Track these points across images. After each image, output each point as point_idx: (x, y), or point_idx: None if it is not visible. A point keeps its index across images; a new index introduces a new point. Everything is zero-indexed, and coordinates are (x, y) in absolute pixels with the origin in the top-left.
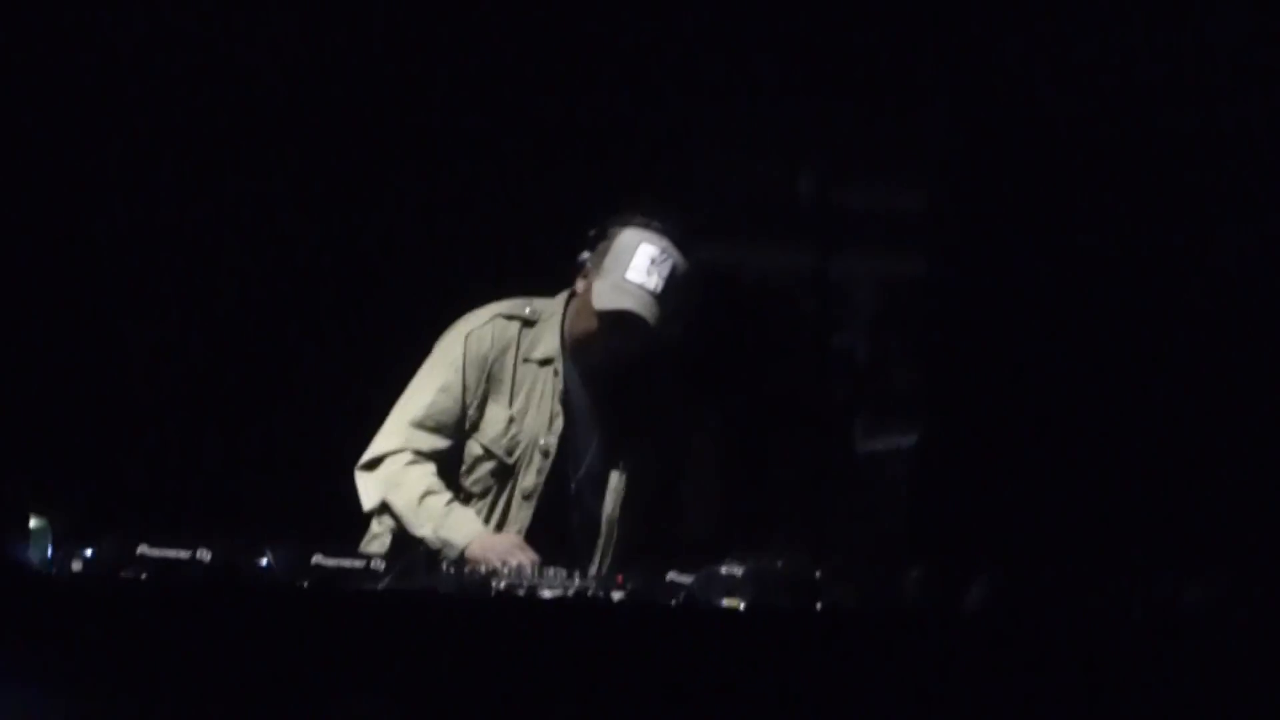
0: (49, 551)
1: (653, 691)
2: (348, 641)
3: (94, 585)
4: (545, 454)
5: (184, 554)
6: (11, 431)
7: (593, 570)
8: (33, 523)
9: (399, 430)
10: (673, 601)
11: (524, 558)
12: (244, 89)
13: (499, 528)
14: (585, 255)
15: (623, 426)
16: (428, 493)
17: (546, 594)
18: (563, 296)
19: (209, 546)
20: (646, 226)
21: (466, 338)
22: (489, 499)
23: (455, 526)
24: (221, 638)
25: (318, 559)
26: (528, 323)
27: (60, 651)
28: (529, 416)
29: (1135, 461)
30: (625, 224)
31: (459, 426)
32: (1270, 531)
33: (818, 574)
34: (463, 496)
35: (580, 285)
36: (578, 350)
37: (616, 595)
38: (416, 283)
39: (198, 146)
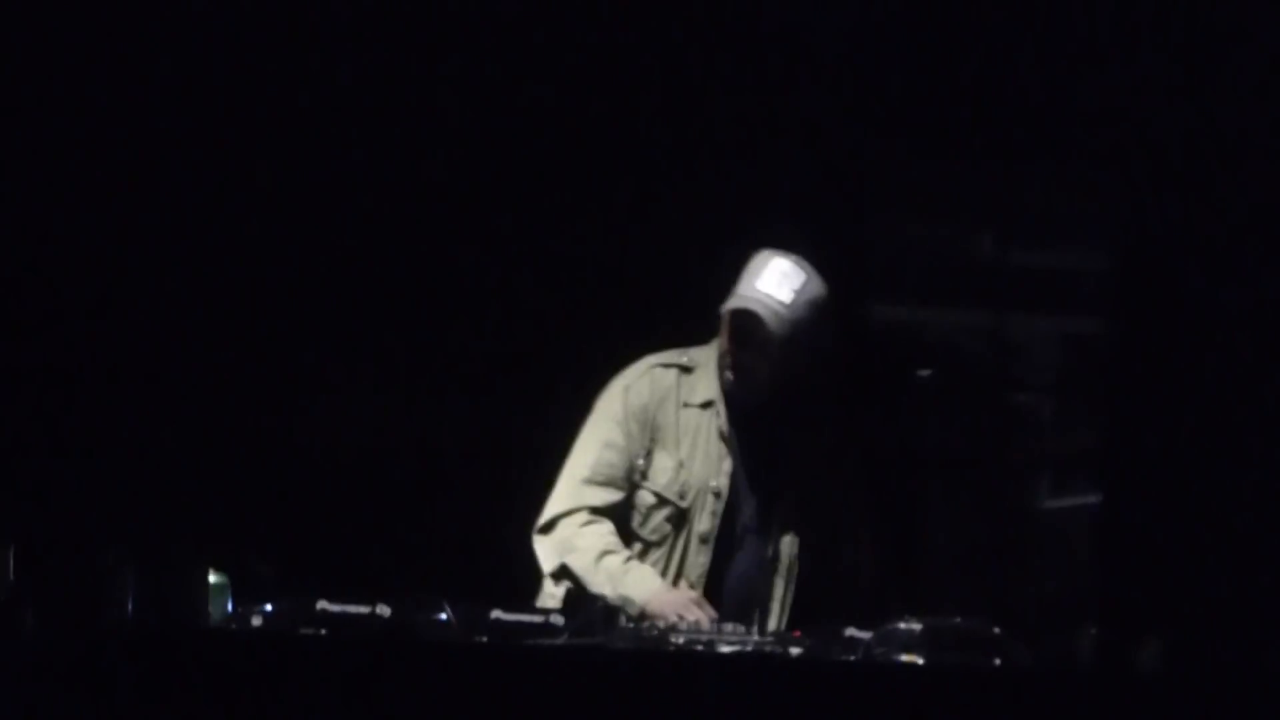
0: (229, 607)
1: None
2: (526, 697)
3: (273, 641)
4: (717, 495)
5: (363, 609)
6: (193, 488)
7: (774, 609)
8: (212, 578)
9: (570, 490)
10: (851, 657)
11: (701, 614)
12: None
13: (678, 574)
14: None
15: (789, 466)
16: (605, 552)
17: (724, 649)
18: (716, 341)
19: (388, 602)
20: (782, 248)
21: (626, 391)
22: (666, 546)
23: (634, 584)
24: (400, 693)
25: (496, 614)
26: (685, 369)
27: (241, 707)
28: (697, 460)
29: None
30: (764, 248)
31: (628, 479)
32: None
33: (996, 631)
34: (640, 546)
35: (721, 313)
36: (723, 377)
37: (794, 650)
38: (576, 342)
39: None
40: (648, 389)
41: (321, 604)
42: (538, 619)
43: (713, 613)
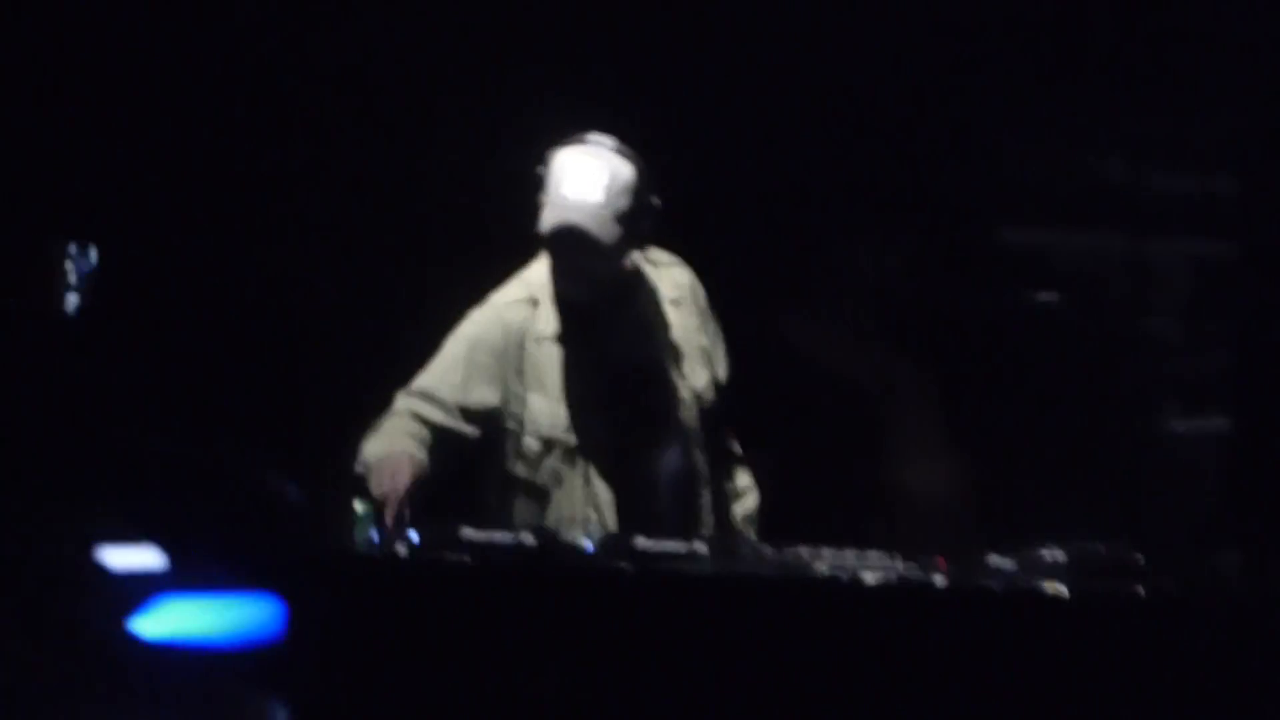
0: (374, 535)
1: (979, 676)
2: (671, 626)
3: (418, 568)
4: (598, 422)
5: (507, 537)
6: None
7: (698, 521)
8: (358, 507)
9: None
10: (996, 586)
11: (394, 483)
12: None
13: (586, 511)
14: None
15: (660, 366)
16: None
17: (869, 578)
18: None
19: (532, 530)
20: (579, 142)
21: (475, 343)
22: (566, 486)
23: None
24: (544, 621)
25: (640, 542)
26: (532, 303)
27: (385, 633)
28: (569, 391)
29: None
30: (554, 156)
31: (495, 419)
32: None
33: (1139, 558)
34: (536, 496)
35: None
36: (560, 299)
37: (938, 578)
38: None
39: None
40: (500, 333)
41: (466, 531)
42: (682, 547)
43: (406, 480)
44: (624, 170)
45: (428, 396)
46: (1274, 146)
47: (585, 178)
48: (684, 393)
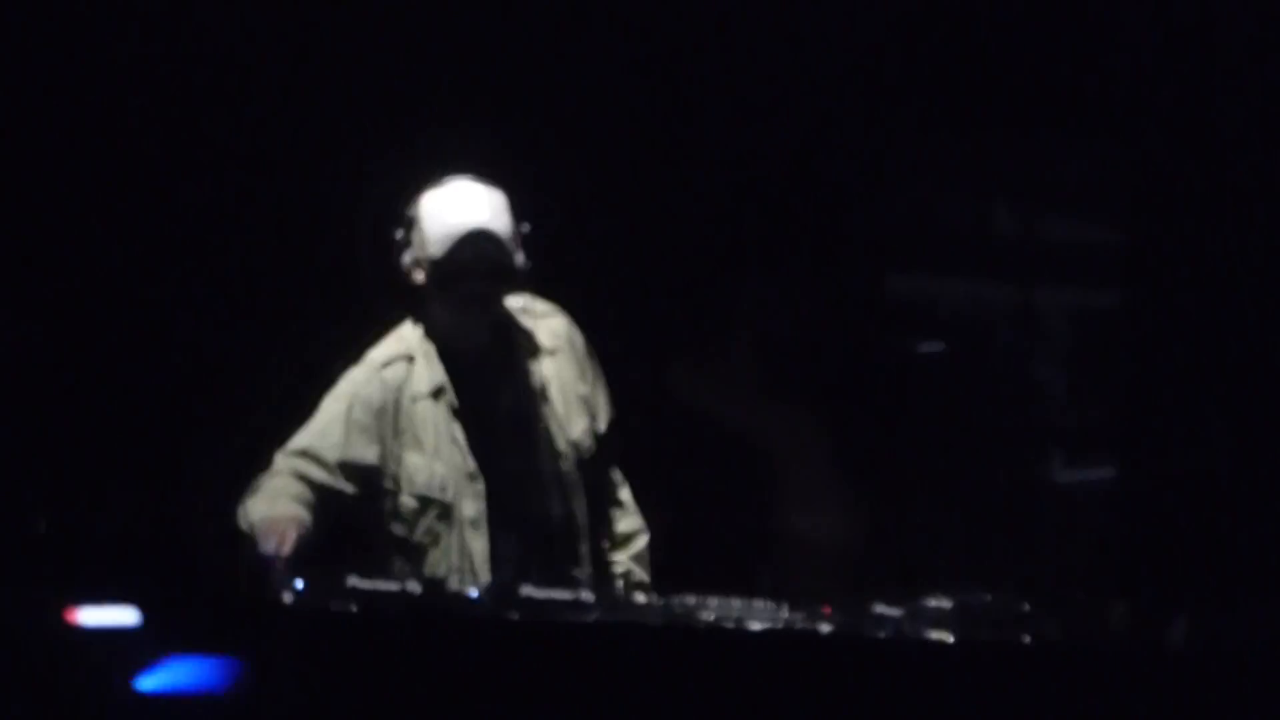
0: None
1: None
2: (557, 673)
3: (304, 616)
4: (472, 477)
5: (394, 586)
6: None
7: (578, 572)
8: None
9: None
10: (881, 634)
11: (280, 544)
12: None
13: (462, 567)
14: (407, 256)
15: (540, 422)
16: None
17: (755, 626)
18: (415, 320)
19: (419, 579)
20: (443, 182)
21: (362, 391)
22: (442, 544)
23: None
24: (430, 670)
25: (527, 590)
26: (408, 359)
27: (270, 682)
28: (444, 448)
29: None
30: (422, 196)
31: (375, 478)
32: None
33: (1025, 607)
34: (414, 553)
35: (417, 274)
36: (455, 337)
37: (824, 627)
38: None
39: None
40: (379, 391)
41: (352, 580)
42: (568, 596)
43: (287, 543)
44: (499, 196)
45: (308, 455)
46: (1157, 196)
47: (471, 201)
48: (561, 444)
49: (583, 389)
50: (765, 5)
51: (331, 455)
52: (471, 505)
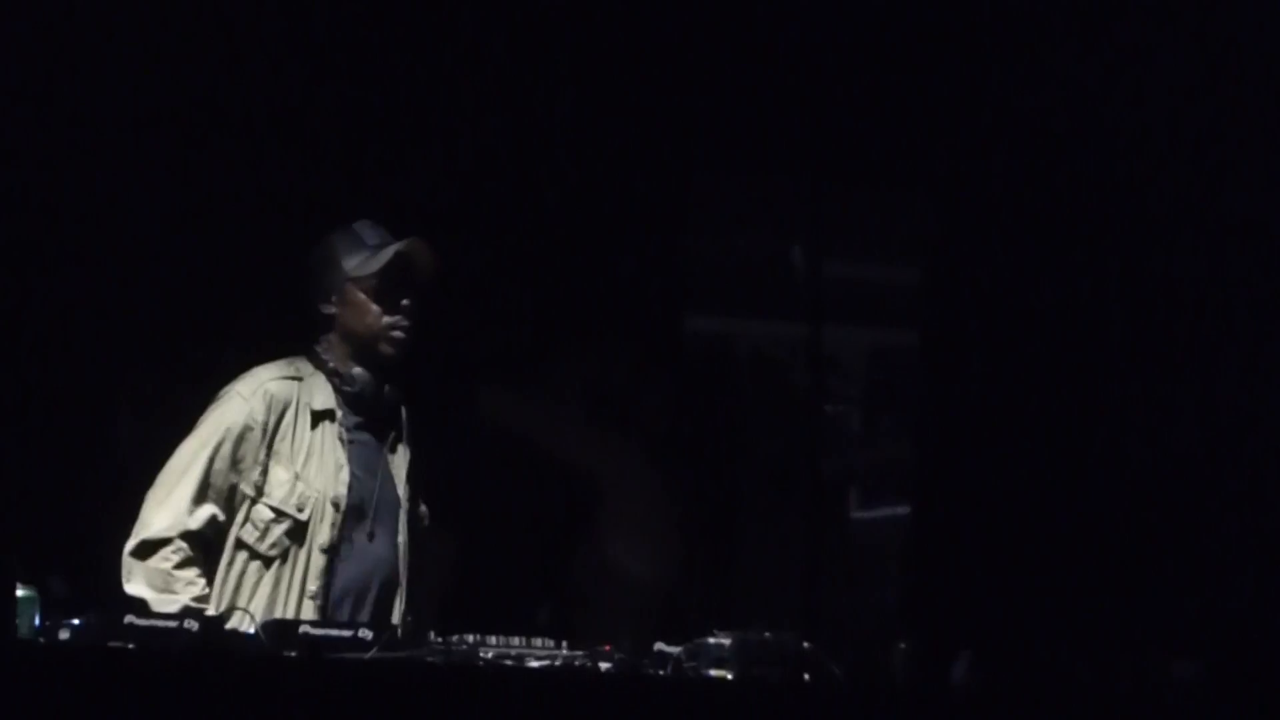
0: (36, 620)
1: None
2: (335, 712)
3: (81, 655)
4: (336, 505)
5: (171, 624)
6: (5, 498)
7: (395, 619)
8: (20, 592)
9: (171, 508)
10: (661, 671)
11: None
12: None
13: (301, 586)
14: (310, 280)
15: (406, 469)
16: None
17: (534, 664)
18: (312, 350)
19: (196, 617)
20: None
21: (240, 405)
22: (289, 560)
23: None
24: (209, 709)
25: (305, 629)
26: (297, 379)
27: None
28: (312, 470)
29: (1126, 544)
30: (331, 234)
31: (233, 496)
32: (1255, 614)
33: (806, 645)
34: (260, 563)
35: (331, 305)
36: (366, 355)
37: (604, 665)
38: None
39: None
40: (263, 405)
41: (129, 618)
42: (346, 633)
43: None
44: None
45: (179, 536)
46: (951, 236)
47: (377, 231)
48: (417, 505)
49: (436, 470)
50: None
51: (225, 495)
52: (326, 532)
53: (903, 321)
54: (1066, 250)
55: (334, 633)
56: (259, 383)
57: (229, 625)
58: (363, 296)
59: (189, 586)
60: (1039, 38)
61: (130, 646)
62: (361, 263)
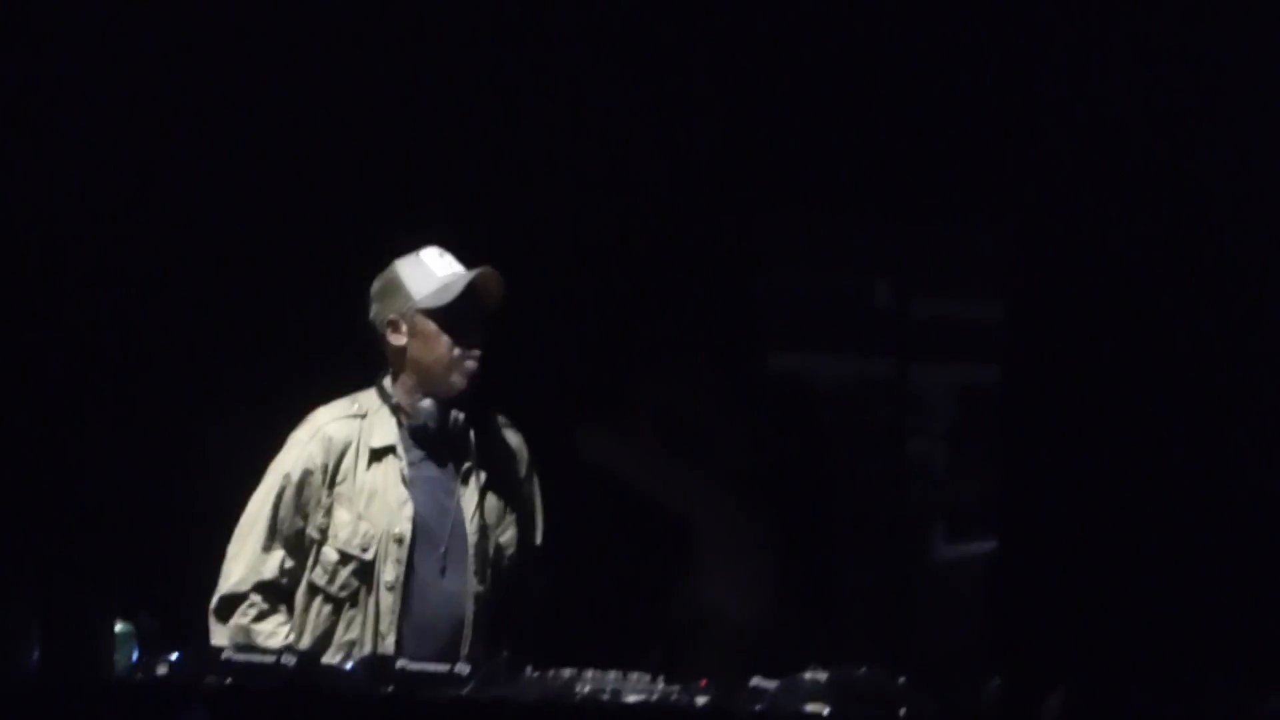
0: (135, 656)
1: None
2: None
3: (179, 690)
4: (399, 542)
5: (269, 659)
6: (103, 534)
7: (463, 652)
8: (118, 627)
9: (244, 561)
10: (757, 707)
11: None
12: None
13: (375, 627)
14: (374, 311)
15: (478, 500)
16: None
17: (631, 699)
18: (379, 384)
19: (293, 651)
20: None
21: (301, 451)
22: (359, 601)
23: None
24: None
25: (402, 664)
26: (360, 417)
27: None
28: (376, 509)
29: (1222, 579)
30: (396, 262)
31: (304, 540)
32: None
33: (900, 681)
34: (332, 605)
35: (396, 336)
36: (435, 386)
37: (700, 700)
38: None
39: None
40: (321, 449)
41: (227, 652)
42: (443, 669)
43: None
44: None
45: (244, 597)
46: (1035, 273)
47: (444, 258)
48: (489, 539)
49: (519, 503)
50: (637, 87)
51: (293, 541)
52: (391, 569)
53: (987, 356)
54: (1152, 280)
55: (430, 668)
56: (317, 426)
57: (325, 660)
58: (434, 327)
59: (270, 639)
60: (1116, 59)
61: (228, 681)
62: (433, 293)
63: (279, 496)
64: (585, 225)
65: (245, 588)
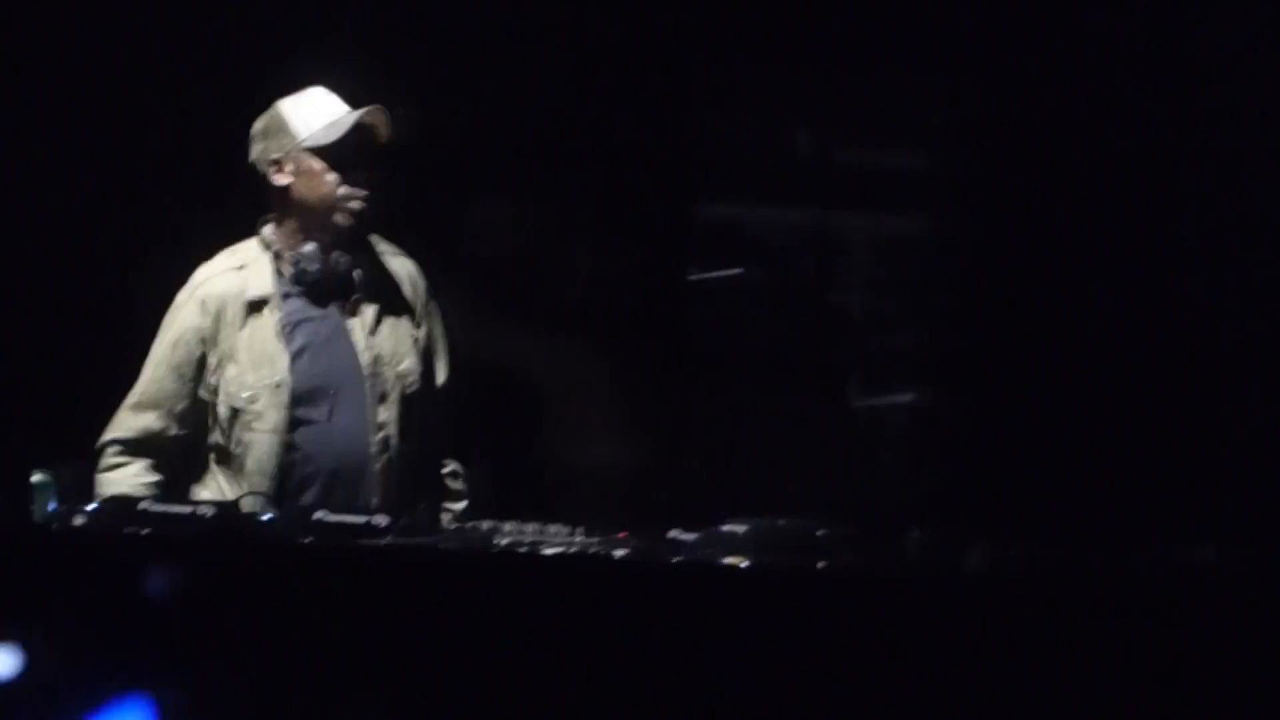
0: (52, 506)
1: (653, 650)
2: (349, 598)
3: (96, 540)
4: (278, 387)
5: (186, 509)
6: (18, 386)
7: (371, 494)
8: (36, 477)
9: (118, 416)
10: (676, 559)
11: None
12: None
13: (272, 479)
14: (269, 154)
15: (368, 334)
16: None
17: (549, 551)
18: (259, 232)
19: (212, 503)
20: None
21: (183, 310)
22: (253, 453)
23: None
24: (222, 594)
25: (320, 515)
26: (239, 269)
27: (60, 607)
28: (256, 360)
29: (1143, 428)
30: (280, 101)
31: (181, 401)
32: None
33: (820, 533)
34: (234, 460)
35: (280, 175)
36: (319, 227)
37: (619, 552)
38: None
39: None
40: (197, 310)
41: (145, 504)
42: (360, 520)
43: None
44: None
45: (143, 406)
46: (962, 121)
47: (330, 98)
48: (386, 373)
49: (417, 332)
50: None
51: (166, 404)
52: (272, 416)
53: (912, 209)
54: (1079, 138)
55: (349, 519)
56: (194, 286)
57: (244, 510)
58: (320, 164)
59: (114, 486)
60: None
61: (145, 532)
62: (320, 131)
63: (159, 362)
64: (518, 74)
65: (103, 441)
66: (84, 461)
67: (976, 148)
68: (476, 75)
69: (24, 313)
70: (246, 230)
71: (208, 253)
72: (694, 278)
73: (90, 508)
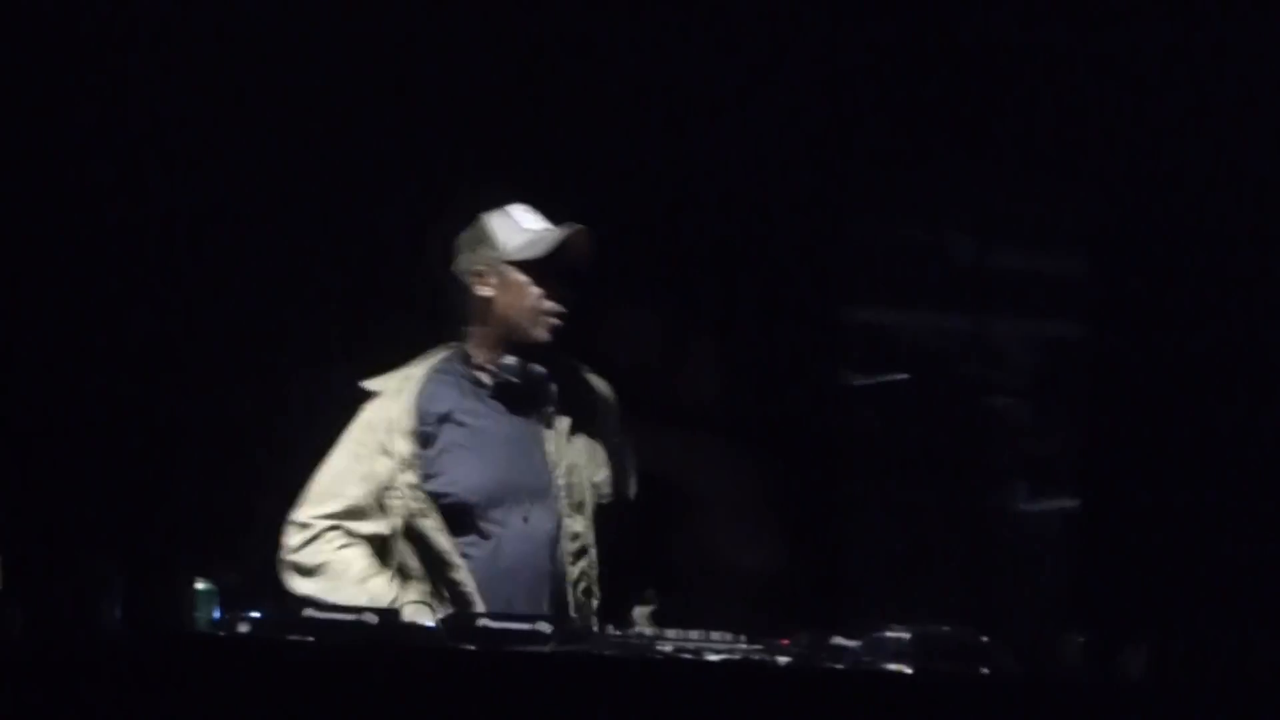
0: (215, 614)
1: None
2: (514, 704)
3: (260, 647)
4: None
5: (349, 616)
6: (184, 495)
7: (571, 611)
8: (200, 585)
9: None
10: (839, 665)
11: None
12: None
13: (452, 583)
14: (460, 261)
15: (564, 443)
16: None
17: (712, 657)
18: (455, 341)
19: (374, 610)
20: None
21: (380, 410)
22: (444, 555)
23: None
24: (386, 701)
25: (484, 621)
26: (445, 372)
27: (227, 714)
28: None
29: None
30: (484, 217)
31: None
32: None
33: (984, 639)
34: (420, 560)
35: (482, 286)
36: (518, 339)
37: (782, 658)
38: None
39: None
40: (398, 404)
41: (309, 610)
42: (525, 626)
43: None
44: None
45: (344, 514)
46: (1120, 227)
47: (534, 215)
48: (580, 482)
49: (610, 445)
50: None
51: (363, 500)
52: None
53: (1071, 314)
54: (1237, 241)
55: (513, 626)
56: (399, 382)
57: (407, 618)
58: (523, 278)
59: (349, 567)
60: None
61: (309, 639)
62: (524, 245)
63: (359, 448)
64: (666, 184)
65: (322, 523)
66: (246, 570)
67: (1138, 251)
68: (637, 188)
69: (188, 422)
70: (405, 344)
71: (376, 365)
72: (856, 383)
73: (254, 615)
